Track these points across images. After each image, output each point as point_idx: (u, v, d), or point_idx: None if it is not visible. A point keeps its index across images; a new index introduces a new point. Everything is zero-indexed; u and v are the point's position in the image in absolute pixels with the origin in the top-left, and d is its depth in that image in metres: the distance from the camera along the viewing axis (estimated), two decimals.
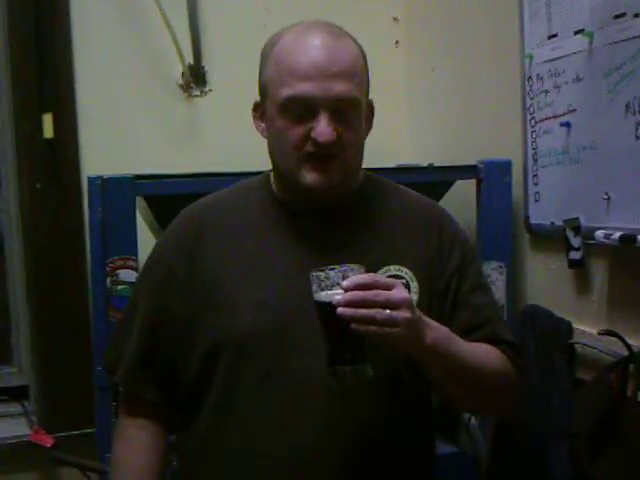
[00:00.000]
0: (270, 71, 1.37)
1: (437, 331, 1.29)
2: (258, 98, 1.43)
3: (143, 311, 1.47)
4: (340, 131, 1.33)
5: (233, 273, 1.41)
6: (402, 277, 1.40)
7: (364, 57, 1.41)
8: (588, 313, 1.97)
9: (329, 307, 1.20)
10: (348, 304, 1.18)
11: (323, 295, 1.22)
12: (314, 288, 1.23)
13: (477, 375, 1.36)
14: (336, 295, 1.20)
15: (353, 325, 1.18)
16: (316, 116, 1.32)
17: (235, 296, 1.39)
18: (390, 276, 1.39)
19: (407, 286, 1.39)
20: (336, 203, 1.41)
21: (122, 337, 1.50)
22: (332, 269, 1.22)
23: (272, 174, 1.48)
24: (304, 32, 1.36)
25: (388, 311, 1.19)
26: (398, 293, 1.22)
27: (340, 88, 1.32)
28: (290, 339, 1.36)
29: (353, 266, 1.23)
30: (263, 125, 1.42)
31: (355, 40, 1.41)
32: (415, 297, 1.40)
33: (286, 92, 1.32)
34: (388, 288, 1.21)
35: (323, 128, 1.31)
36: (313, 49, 1.33)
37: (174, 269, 1.45)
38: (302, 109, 1.32)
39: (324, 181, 1.35)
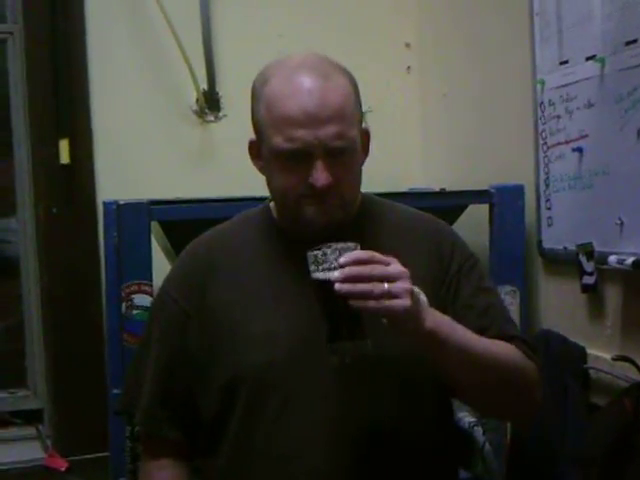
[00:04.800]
0: (262, 114, 1.37)
1: (438, 317, 1.28)
2: (253, 136, 1.42)
3: (156, 351, 1.48)
4: (336, 172, 1.34)
5: (243, 306, 1.41)
6: None
7: (354, 86, 1.39)
8: (602, 338, 1.97)
9: (327, 284, 1.20)
10: (345, 280, 1.18)
11: (321, 274, 1.22)
12: (312, 268, 1.23)
13: (492, 367, 1.33)
14: (334, 272, 1.20)
15: (351, 301, 1.18)
16: (311, 162, 1.32)
17: (246, 329, 1.40)
18: None
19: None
20: (336, 230, 1.41)
21: (136, 380, 1.50)
22: (329, 247, 1.23)
23: (272, 203, 1.48)
24: (293, 74, 1.35)
25: (386, 285, 1.19)
26: (395, 267, 1.22)
27: (332, 132, 1.32)
28: (304, 368, 1.36)
29: (349, 244, 1.23)
30: (261, 163, 1.42)
31: (344, 71, 1.39)
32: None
33: (279, 144, 1.33)
34: (385, 263, 1.22)
35: (319, 175, 1.32)
36: (302, 94, 1.32)
37: (183, 307, 1.45)
38: (295, 156, 1.33)
39: (324, 218, 1.36)
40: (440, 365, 1.32)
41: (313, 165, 1.32)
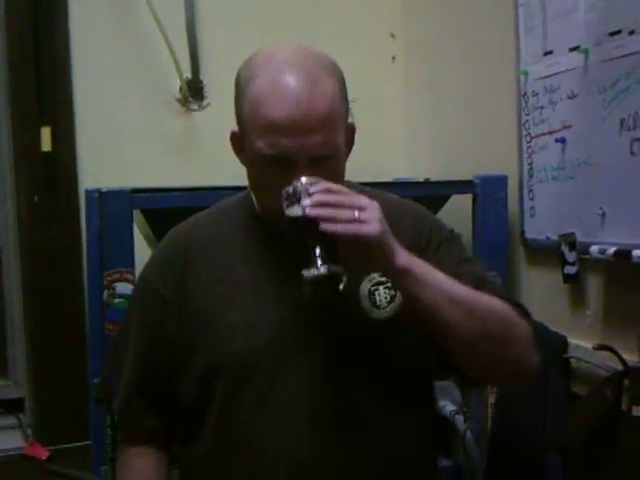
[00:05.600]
0: (246, 113, 1.34)
1: (414, 257, 1.27)
2: (235, 128, 1.40)
3: (135, 339, 1.47)
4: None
5: (223, 295, 1.41)
6: (385, 282, 1.39)
7: (341, 83, 1.36)
8: (583, 328, 1.98)
9: (299, 220, 1.23)
10: (316, 205, 1.21)
11: (292, 210, 1.25)
12: (285, 205, 1.26)
13: (481, 313, 1.29)
14: (305, 201, 1.23)
15: (322, 224, 1.20)
16: (294, 169, 1.30)
17: (226, 318, 1.39)
18: (376, 282, 1.39)
19: (393, 287, 1.38)
20: None
21: (115, 367, 1.50)
22: (299, 181, 1.26)
23: (252, 193, 1.47)
24: (278, 75, 1.31)
25: (356, 212, 1.21)
26: (364, 198, 1.24)
27: (317, 142, 1.29)
28: (284, 357, 1.36)
29: (318, 178, 1.27)
30: (242, 155, 1.40)
31: (332, 68, 1.35)
32: (400, 296, 1.37)
33: (262, 149, 1.31)
34: (354, 195, 1.25)
35: None
36: (287, 99, 1.29)
37: (163, 295, 1.44)
38: (278, 162, 1.31)
39: None
40: (424, 309, 1.28)
41: (295, 173, 1.29)
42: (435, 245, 1.43)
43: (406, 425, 1.41)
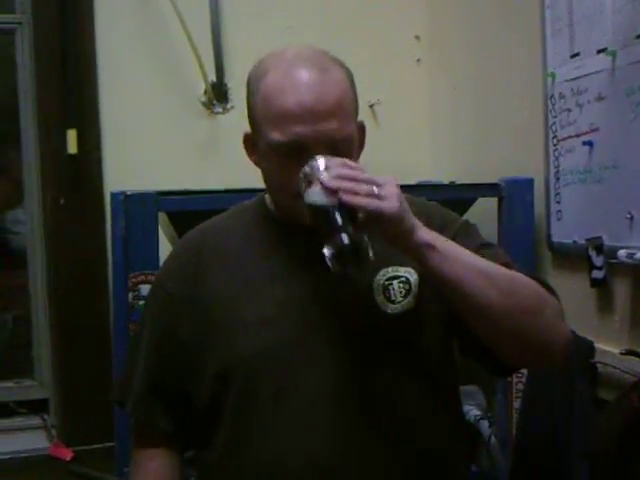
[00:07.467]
0: (258, 109, 1.36)
1: (433, 232, 1.28)
2: (248, 129, 1.42)
3: (148, 340, 1.48)
4: None
5: (235, 294, 1.41)
6: (400, 276, 1.39)
7: (351, 80, 1.39)
8: (610, 332, 1.96)
9: (320, 209, 1.23)
10: (336, 177, 1.22)
11: (311, 191, 1.25)
12: (303, 187, 1.26)
13: (504, 283, 1.29)
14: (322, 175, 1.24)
15: (344, 196, 1.20)
16: (309, 157, 1.30)
17: (239, 316, 1.39)
18: (389, 278, 1.38)
19: (407, 281, 1.39)
20: None
21: (130, 368, 1.50)
22: (315, 160, 1.26)
23: (267, 195, 1.48)
24: (290, 68, 1.34)
25: (375, 188, 1.22)
26: (381, 176, 1.25)
27: (330, 128, 1.31)
28: (297, 353, 1.36)
29: (335, 157, 1.28)
30: (255, 157, 1.41)
31: (341, 64, 1.38)
32: (415, 290, 1.38)
33: (276, 137, 1.32)
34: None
35: None
36: (300, 88, 1.32)
37: (176, 295, 1.45)
38: (294, 151, 1.31)
39: None
40: (450, 283, 1.28)
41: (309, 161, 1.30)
42: (451, 236, 1.39)
43: (431, 419, 1.39)
